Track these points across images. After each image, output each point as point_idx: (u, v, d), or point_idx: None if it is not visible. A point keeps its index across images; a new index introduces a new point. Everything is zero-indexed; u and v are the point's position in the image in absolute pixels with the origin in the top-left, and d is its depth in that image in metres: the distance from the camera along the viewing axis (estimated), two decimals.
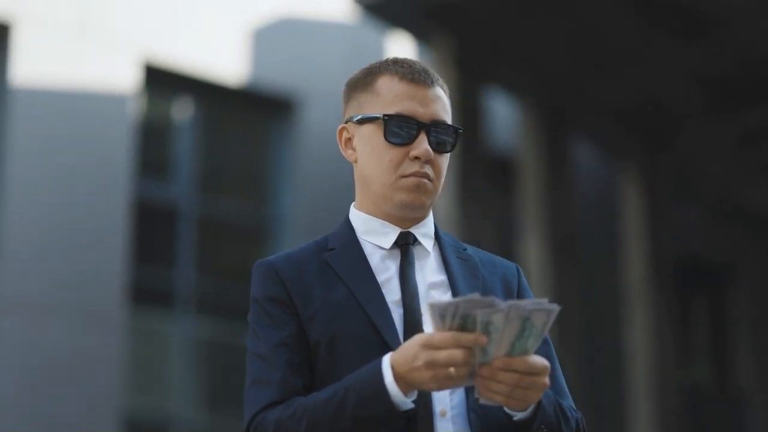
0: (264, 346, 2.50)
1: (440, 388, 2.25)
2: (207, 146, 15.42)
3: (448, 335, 2.18)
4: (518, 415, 2.39)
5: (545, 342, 2.62)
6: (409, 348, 2.25)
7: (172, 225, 14.90)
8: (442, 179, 2.63)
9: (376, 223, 2.64)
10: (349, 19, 15.69)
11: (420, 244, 2.64)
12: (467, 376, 2.22)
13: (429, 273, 2.61)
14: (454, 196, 12.76)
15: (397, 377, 2.27)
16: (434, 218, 2.73)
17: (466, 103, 13.35)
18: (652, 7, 13.00)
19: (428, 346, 2.20)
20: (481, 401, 2.30)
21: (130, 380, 13.98)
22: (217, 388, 15.01)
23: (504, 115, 16.13)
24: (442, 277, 2.61)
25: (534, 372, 2.24)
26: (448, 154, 2.64)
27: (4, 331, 12.84)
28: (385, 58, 2.70)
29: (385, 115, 2.58)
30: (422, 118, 2.58)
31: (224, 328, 14.91)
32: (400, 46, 15.94)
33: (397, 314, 2.49)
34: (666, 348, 15.59)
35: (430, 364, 2.20)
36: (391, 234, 2.62)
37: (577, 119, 15.42)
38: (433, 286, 2.59)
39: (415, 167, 2.56)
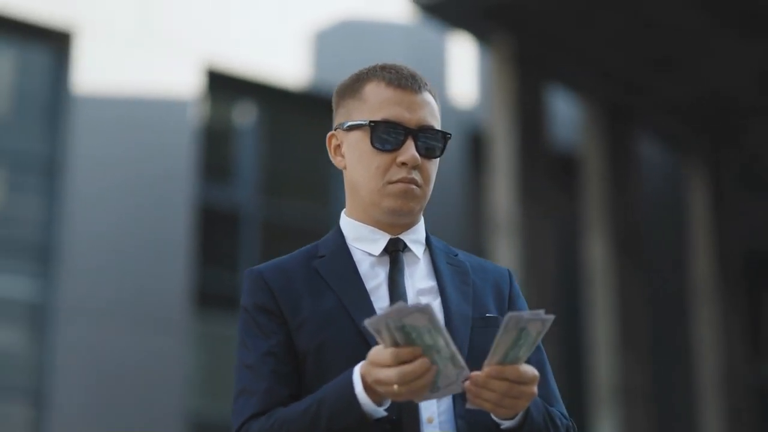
0: (252, 355, 2.50)
1: (405, 399, 2.24)
2: (269, 149, 15.47)
3: (387, 353, 2.18)
4: (506, 423, 2.38)
5: (539, 349, 2.63)
6: (366, 361, 2.26)
7: (235, 229, 14.96)
8: (431, 185, 2.62)
9: (366, 229, 2.63)
10: (409, 20, 15.67)
11: (410, 250, 2.63)
12: (422, 391, 2.20)
13: (418, 279, 2.60)
14: (515, 195, 12.68)
15: (367, 387, 2.27)
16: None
17: (527, 102, 13.26)
18: (716, 1, 12.84)
19: (373, 363, 2.22)
20: (468, 407, 2.29)
21: (197, 384, 14.06)
22: None
23: (566, 113, 16.02)
24: (431, 284, 2.59)
25: (524, 381, 2.24)
26: (437, 160, 2.63)
27: (73, 338, 12.96)
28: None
29: (371, 122, 2.57)
30: (409, 123, 2.57)
31: None
32: (460, 46, 15.89)
33: None
34: (735, 346, 15.40)
35: (377, 382, 2.21)
36: (381, 240, 2.62)
37: (641, 115, 15.27)
38: (422, 292, 2.58)
39: (402, 173, 2.56)
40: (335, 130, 2.71)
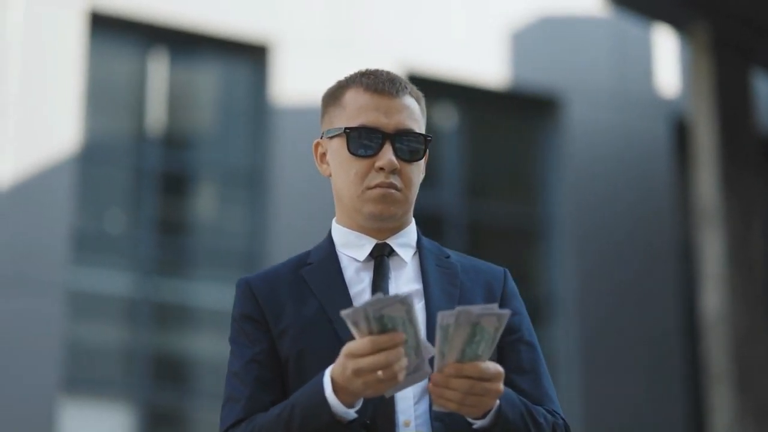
0: (238, 363, 2.55)
1: (376, 393, 2.24)
2: (472, 151, 15.47)
3: (365, 341, 2.18)
4: (478, 423, 2.36)
5: (532, 346, 2.63)
6: (339, 359, 2.26)
7: (441, 231, 15.01)
8: (413, 188, 2.63)
9: (353, 235, 2.66)
10: (607, 13, 15.44)
11: (396, 254, 2.62)
12: (400, 374, 2.19)
13: (404, 283, 2.60)
14: (719, 185, 12.32)
15: (337, 389, 2.28)
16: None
17: (728, 89, 12.89)
18: None
19: (351, 355, 2.21)
20: (435, 408, 2.28)
21: None
22: None
23: None
24: (417, 287, 2.59)
25: (486, 378, 2.23)
26: (419, 163, 2.63)
27: None
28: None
29: (346, 128, 2.60)
30: (386, 128, 2.58)
31: None
32: (660, 36, 15.58)
33: None
34: None
35: (358, 372, 2.20)
36: (367, 246, 2.64)
37: None
38: None
39: (380, 178, 2.57)
40: (321, 137, 2.73)
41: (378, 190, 2.58)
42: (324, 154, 2.72)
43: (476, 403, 2.26)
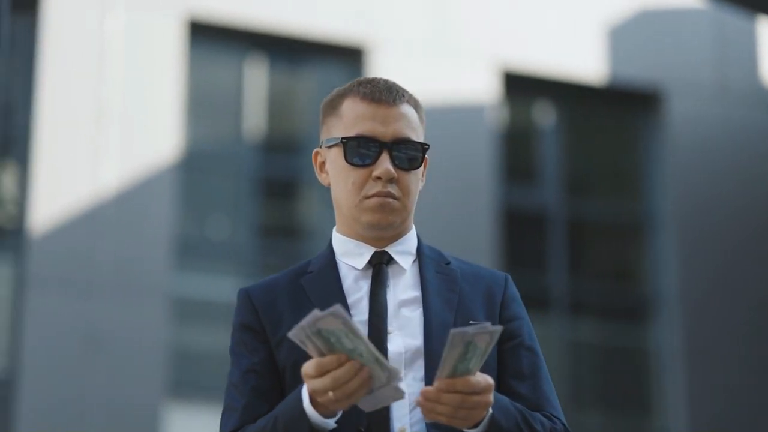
0: (236, 373, 2.57)
1: (343, 408, 2.26)
2: (571, 148, 15.35)
3: (311, 363, 2.22)
4: None
5: (532, 351, 2.61)
6: None
7: (541, 230, 14.93)
8: (411, 196, 2.63)
9: (352, 244, 2.65)
10: (707, 4, 15.23)
11: (395, 262, 2.63)
12: (357, 394, 2.20)
13: (402, 291, 2.60)
14: None
15: (314, 400, 2.29)
16: None
17: None
18: None
19: (304, 375, 2.25)
20: (425, 421, 2.31)
21: None
22: (598, 389, 14.90)
23: None
24: (415, 294, 2.60)
25: (477, 391, 2.23)
26: (417, 171, 2.63)
27: None
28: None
29: (343, 138, 2.59)
30: (383, 137, 2.58)
31: (602, 329, 14.79)
32: (763, 27, 15.32)
33: (364, 335, 2.48)
34: None
35: (314, 392, 2.24)
36: (366, 254, 2.63)
37: None
38: (404, 303, 2.58)
39: (377, 187, 2.57)
40: (320, 147, 2.73)
41: (375, 200, 2.58)
42: (323, 164, 2.72)
43: (467, 416, 2.27)
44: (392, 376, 2.22)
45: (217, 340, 13.35)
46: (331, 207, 2.73)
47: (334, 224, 2.73)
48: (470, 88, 14.16)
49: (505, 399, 2.43)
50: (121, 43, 12.92)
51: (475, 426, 2.34)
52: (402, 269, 2.64)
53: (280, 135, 14.40)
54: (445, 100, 14.03)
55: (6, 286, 12.67)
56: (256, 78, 13.97)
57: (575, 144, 15.41)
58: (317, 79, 14.52)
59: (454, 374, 2.21)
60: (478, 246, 13.80)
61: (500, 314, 2.62)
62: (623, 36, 15.17)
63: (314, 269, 2.66)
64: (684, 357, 14.23)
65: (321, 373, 2.20)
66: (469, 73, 14.21)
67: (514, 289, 2.71)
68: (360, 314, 2.54)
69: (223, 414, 2.55)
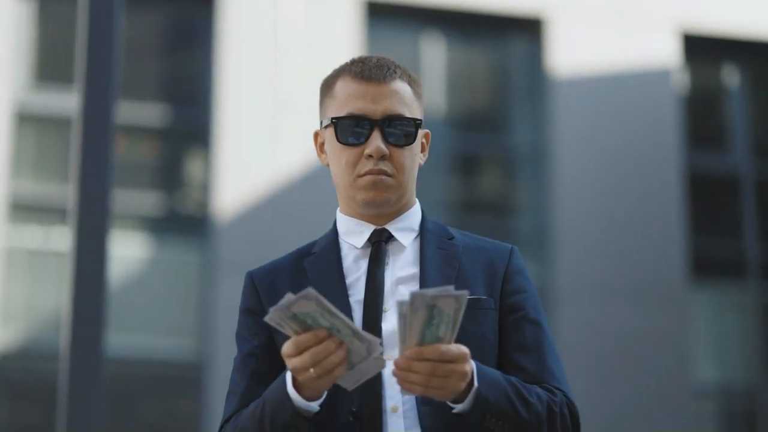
0: (238, 357, 2.60)
1: (325, 387, 2.29)
2: (757, 109, 14.99)
3: (289, 343, 2.24)
4: (457, 407, 2.34)
5: (536, 324, 2.58)
6: None
7: (730, 193, 14.63)
8: (407, 172, 2.60)
9: (353, 222, 2.65)
10: None
11: (395, 239, 2.62)
12: (338, 369, 2.23)
13: (400, 268, 2.59)
14: None
15: (297, 384, 2.33)
16: None
17: None
18: None
19: (284, 355, 2.26)
20: (401, 392, 2.30)
21: (702, 354, 13.90)
22: None
23: None
24: (413, 271, 2.59)
25: (448, 359, 2.22)
26: (412, 146, 2.60)
27: (573, 318, 13.17)
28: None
29: (333, 118, 2.60)
30: (374, 115, 2.57)
31: None
32: None
33: (359, 314, 2.50)
34: None
35: (295, 371, 2.26)
36: (365, 232, 2.63)
37: None
38: (401, 281, 2.57)
39: (369, 165, 2.56)
40: (320, 128, 2.74)
41: (368, 178, 2.57)
42: (323, 144, 2.71)
43: (441, 385, 2.24)
44: (371, 346, 2.22)
45: None
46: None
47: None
48: (651, 53, 13.94)
49: (494, 373, 2.41)
50: (299, 29, 13.08)
51: (461, 402, 2.33)
52: (402, 246, 2.63)
53: (459, 110, 14.39)
54: (628, 67, 13.85)
55: (195, 271, 12.98)
56: (433, 54, 13.98)
57: (761, 105, 15.03)
58: (495, 52, 14.46)
59: (423, 342, 2.20)
60: (664, 212, 13.62)
61: (503, 287, 2.60)
62: None
63: (317, 250, 2.67)
64: None
65: (300, 350, 2.22)
66: (650, 37, 13.99)
67: (518, 262, 2.66)
68: (357, 293, 2.55)
69: (226, 398, 2.59)
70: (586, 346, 13.15)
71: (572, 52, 13.74)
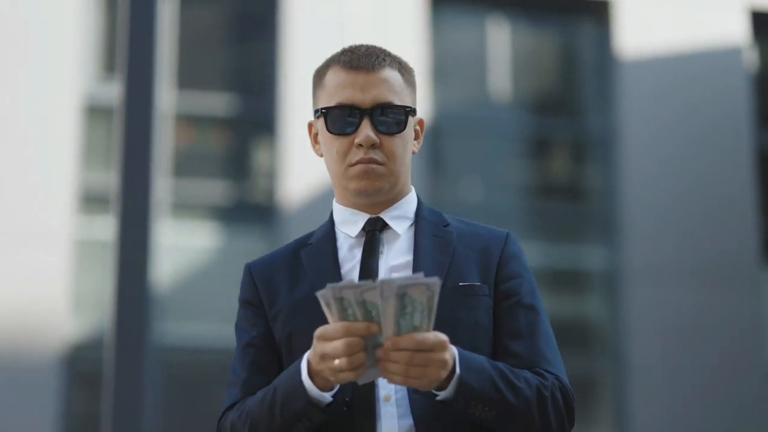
0: (238, 347, 2.61)
1: (342, 381, 2.25)
2: None
3: (338, 326, 2.19)
4: (440, 395, 2.33)
5: (531, 309, 2.56)
6: (314, 342, 2.28)
7: None
8: (398, 160, 2.59)
9: (348, 212, 2.65)
10: None
11: (389, 227, 2.61)
12: (360, 368, 2.20)
13: (394, 256, 2.58)
14: None
15: (312, 373, 2.31)
16: None
17: None
18: None
19: (320, 338, 2.23)
20: (387, 383, 2.30)
21: None
22: None
23: None
24: (407, 258, 2.57)
25: (425, 348, 2.20)
26: (404, 134, 2.59)
27: (643, 300, 13.08)
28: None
29: (323, 109, 2.60)
30: (363, 104, 2.56)
31: None
32: None
33: None
34: None
35: (323, 357, 2.23)
36: (360, 221, 2.63)
37: None
38: (395, 269, 2.56)
39: (360, 154, 2.55)
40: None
41: (359, 167, 2.56)
42: (317, 135, 2.70)
43: (420, 375, 2.22)
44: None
45: None
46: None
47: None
48: (722, 31, 13.76)
49: (478, 359, 2.38)
50: (364, 18, 13.07)
51: (445, 389, 2.32)
52: (396, 234, 2.63)
53: (526, 94, 14.31)
54: (697, 46, 13.69)
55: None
56: (498, 39, 13.91)
57: None
58: (563, 35, 14.36)
59: (399, 332, 2.18)
60: (734, 194, 13.49)
61: (497, 273, 2.58)
62: None
63: (314, 241, 2.67)
64: None
65: (347, 334, 2.18)
66: (719, 15, 13.81)
67: (514, 247, 2.65)
68: None
69: (226, 388, 2.60)
70: (656, 328, 13.06)
71: (640, 32, 13.61)
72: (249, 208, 13.39)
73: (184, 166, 13.24)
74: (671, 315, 13.10)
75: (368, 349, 2.21)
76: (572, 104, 14.39)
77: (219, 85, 13.51)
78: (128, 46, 4.73)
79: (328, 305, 2.20)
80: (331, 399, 2.36)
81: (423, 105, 12.97)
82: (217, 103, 13.28)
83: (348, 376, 2.23)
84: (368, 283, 2.14)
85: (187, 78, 13.25)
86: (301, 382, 2.34)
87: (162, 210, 12.78)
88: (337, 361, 2.21)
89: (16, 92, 12.50)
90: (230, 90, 13.42)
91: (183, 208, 13.13)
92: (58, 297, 12.22)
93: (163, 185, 12.80)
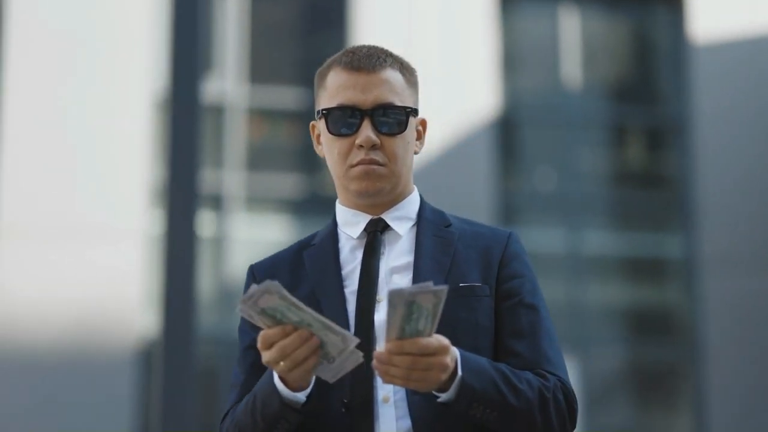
0: (239, 350, 2.62)
1: (300, 379, 2.30)
2: None
3: (262, 336, 2.25)
4: (442, 396, 2.34)
5: (533, 308, 2.56)
6: None
7: None
8: (399, 161, 2.59)
9: (350, 213, 2.65)
10: None
11: (392, 229, 2.61)
12: (308, 362, 2.24)
13: (395, 257, 2.59)
14: None
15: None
16: None
17: None
18: None
19: (260, 347, 2.28)
20: (383, 383, 2.32)
21: None
22: None
23: None
24: (408, 260, 2.57)
25: (428, 353, 2.22)
26: (405, 134, 2.58)
27: (720, 289, 12.98)
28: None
29: (324, 110, 2.60)
30: (363, 105, 2.56)
31: None
32: None
33: (353, 304, 2.50)
34: None
35: (268, 364, 2.29)
36: (361, 222, 2.63)
37: None
38: (395, 270, 2.56)
39: (360, 155, 2.55)
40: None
41: (360, 168, 2.56)
42: (319, 136, 2.70)
43: (422, 378, 2.25)
44: (347, 339, 2.23)
45: (558, 290, 13.36)
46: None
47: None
48: None
49: (480, 360, 2.39)
50: (433, 11, 13.06)
51: (446, 390, 2.33)
52: (397, 235, 2.63)
53: (601, 83, 14.21)
54: (763, 34, 13.53)
55: None
56: (569, 27, 13.82)
57: None
58: (635, 22, 14.26)
59: (403, 336, 2.20)
60: None
61: (499, 273, 2.58)
62: None
63: (317, 242, 2.67)
64: None
65: (268, 345, 2.25)
66: None
67: (516, 247, 2.64)
68: (352, 284, 2.55)
69: (228, 391, 2.63)
70: (732, 317, 12.93)
71: (714, 18, 13.45)
72: (321, 202, 13.44)
73: (257, 160, 13.33)
74: (749, 302, 12.96)
75: (323, 345, 2.24)
76: (646, 91, 14.27)
77: (291, 79, 13.58)
78: (173, 41, 4.78)
79: (252, 319, 2.25)
80: (305, 399, 2.37)
81: (492, 95, 12.93)
82: (289, 96, 13.35)
83: (300, 374, 2.27)
84: (256, 290, 2.17)
85: (259, 72, 13.33)
86: (273, 384, 2.37)
87: (235, 204, 12.88)
88: (281, 364, 2.26)
89: (89, 90, 12.67)
90: (302, 84, 13.48)
91: (256, 201, 13.22)
92: (134, 292, 12.37)
93: (236, 179, 12.89)
